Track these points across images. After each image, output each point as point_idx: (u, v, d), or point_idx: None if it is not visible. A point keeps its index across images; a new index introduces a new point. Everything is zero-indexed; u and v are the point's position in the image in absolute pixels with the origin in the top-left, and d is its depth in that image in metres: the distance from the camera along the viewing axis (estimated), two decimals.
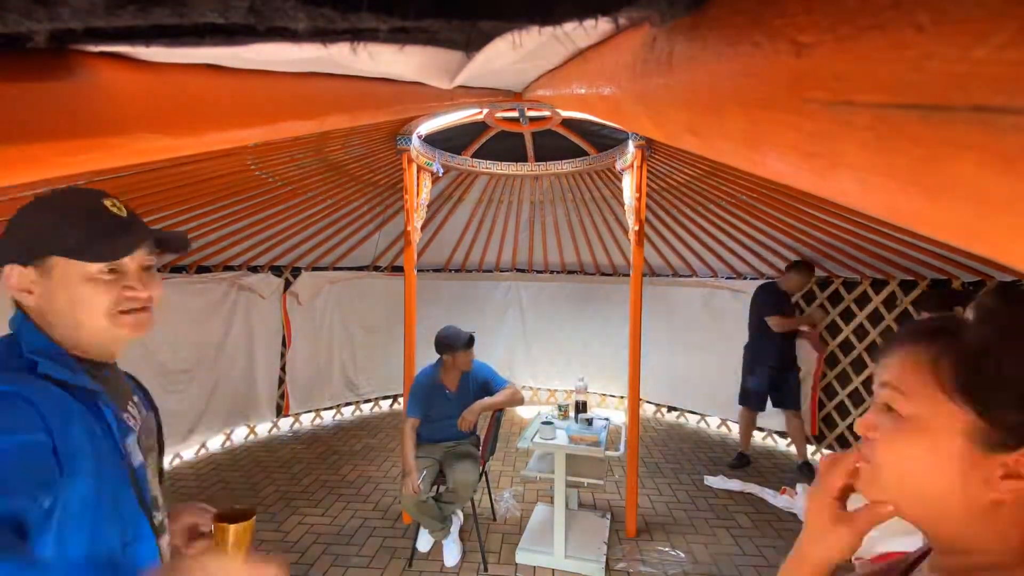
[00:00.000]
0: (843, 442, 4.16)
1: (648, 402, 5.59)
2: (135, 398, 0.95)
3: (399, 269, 5.38)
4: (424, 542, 2.96)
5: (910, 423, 0.50)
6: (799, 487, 3.56)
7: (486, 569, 2.78)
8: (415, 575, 2.75)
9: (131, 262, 0.81)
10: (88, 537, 0.72)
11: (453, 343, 2.94)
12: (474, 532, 2.92)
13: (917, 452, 0.49)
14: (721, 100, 0.31)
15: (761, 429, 4.67)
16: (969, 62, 0.16)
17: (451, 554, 2.86)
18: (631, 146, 3.15)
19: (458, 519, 3.04)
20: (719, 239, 4.47)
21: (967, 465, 0.46)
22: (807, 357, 4.23)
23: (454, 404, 2.98)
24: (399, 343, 3.54)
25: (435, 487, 2.91)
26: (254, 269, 4.59)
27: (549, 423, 3.02)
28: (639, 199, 3.13)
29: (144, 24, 0.26)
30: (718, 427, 5.15)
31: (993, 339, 0.46)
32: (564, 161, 3.99)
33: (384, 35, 0.31)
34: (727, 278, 4.92)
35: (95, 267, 0.77)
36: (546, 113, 3.24)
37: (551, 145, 3.86)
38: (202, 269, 4.19)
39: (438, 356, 3.04)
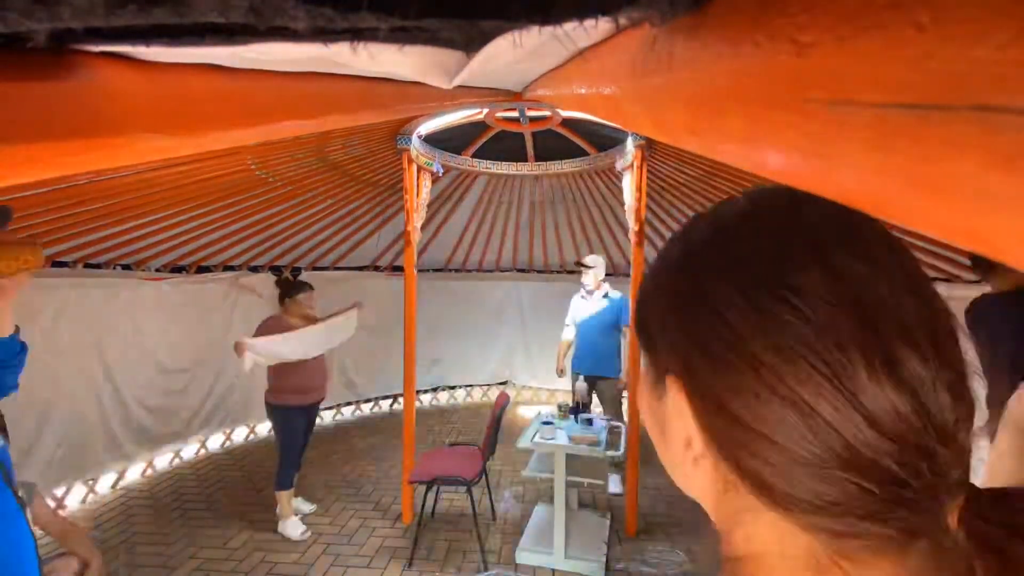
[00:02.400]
0: None
1: None
2: None
3: (399, 269, 5.38)
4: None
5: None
6: None
7: (486, 568, 2.78)
8: (415, 575, 2.75)
9: None
10: None
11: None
12: (474, 532, 2.92)
13: (641, 407, 0.41)
14: (721, 100, 0.31)
15: None
16: (969, 61, 0.16)
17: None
18: (631, 146, 3.15)
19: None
20: None
21: (657, 416, 0.37)
22: None
23: None
24: (399, 343, 3.54)
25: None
26: (254, 269, 4.58)
27: (549, 423, 3.02)
28: (639, 199, 3.13)
29: (144, 24, 0.26)
30: None
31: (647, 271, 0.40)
32: (564, 161, 3.99)
33: (384, 34, 0.31)
34: None
35: None
36: (546, 113, 3.24)
37: (551, 145, 3.86)
38: (202, 269, 4.19)
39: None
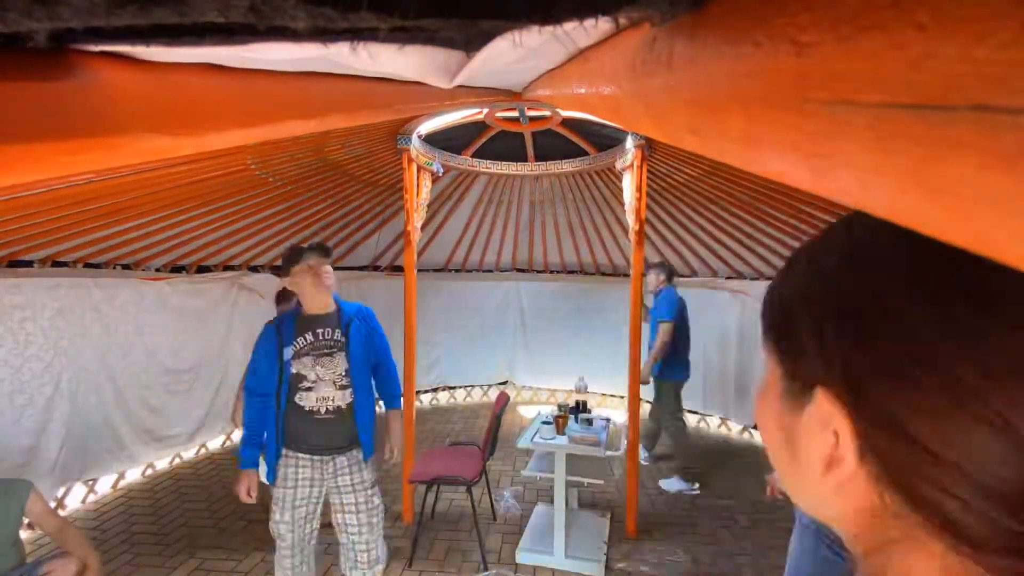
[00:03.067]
0: None
1: (648, 402, 5.58)
2: None
3: (399, 269, 5.38)
4: None
5: (761, 385, 0.39)
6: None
7: (486, 568, 2.78)
8: (415, 574, 2.75)
9: None
10: None
11: None
12: (474, 532, 2.92)
13: (762, 419, 0.38)
14: (721, 100, 0.31)
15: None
16: (970, 61, 0.16)
17: None
18: (631, 146, 3.15)
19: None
20: (719, 239, 4.47)
21: (788, 430, 0.34)
22: None
23: None
24: (399, 343, 3.53)
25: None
26: (254, 269, 4.59)
27: (549, 423, 3.02)
28: (639, 199, 3.13)
29: (145, 23, 0.26)
30: (718, 427, 5.15)
31: (783, 272, 0.36)
32: (564, 161, 3.99)
33: (384, 34, 0.31)
34: (727, 278, 4.93)
35: None
36: (546, 113, 3.24)
37: (551, 145, 3.86)
38: (202, 269, 4.19)
39: None
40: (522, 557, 2.85)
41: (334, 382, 2.13)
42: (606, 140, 3.66)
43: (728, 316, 4.95)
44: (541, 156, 4.06)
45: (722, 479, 3.93)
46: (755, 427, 4.73)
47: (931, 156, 0.19)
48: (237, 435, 4.63)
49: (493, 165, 4.04)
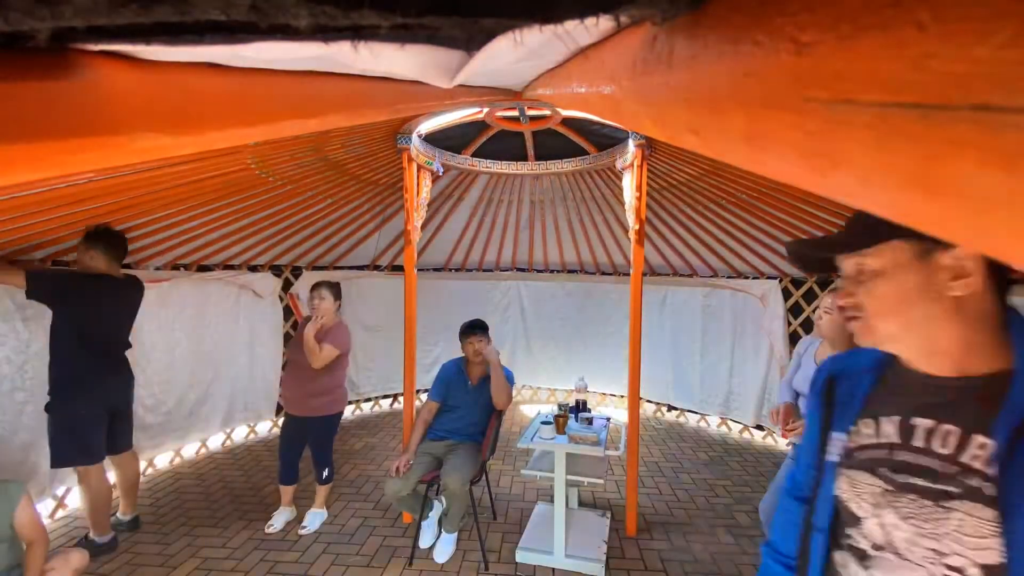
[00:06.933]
0: None
1: (648, 401, 5.59)
2: None
3: (399, 268, 5.39)
4: (426, 539, 3.00)
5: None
6: None
7: (486, 568, 2.78)
8: (415, 574, 2.76)
9: None
10: None
11: (461, 330, 3.18)
12: (474, 531, 2.92)
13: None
14: (721, 99, 0.31)
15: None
16: (970, 61, 0.16)
17: (426, 538, 2.98)
18: (631, 145, 3.15)
19: (440, 504, 3.13)
20: (719, 238, 4.47)
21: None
22: None
23: (471, 398, 3.06)
24: (399, 342, 3.54)
25: (430, 487, 2.92)
26: (254, 269, 4.59)
27: (549, 423, 3.02)
28: (639, 198, 3.13)
29: (146, 22, 0.26)
30: (718, 426, 5.15)
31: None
32: (564, 160, 3.99)
33: (385, 32, 0.31)
34: (727, 277, 4.93)
35: None
36: (546, 112, 3.24)
37: (551, 144, 3.86)
38: (202, 268, 4.19)
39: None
40: (522, 556, 2.85)
41: None
42: (606, 139, 3.66)
43: (727, 316, 4.95)
44: (541, 155, 4.06)
45: (722, 479, 3.94)
46: (757, 427, 4.74)
47: (932, 155, 0.19)
48: (238, 434, 4.63)
49: (493, 164, 4.04)
